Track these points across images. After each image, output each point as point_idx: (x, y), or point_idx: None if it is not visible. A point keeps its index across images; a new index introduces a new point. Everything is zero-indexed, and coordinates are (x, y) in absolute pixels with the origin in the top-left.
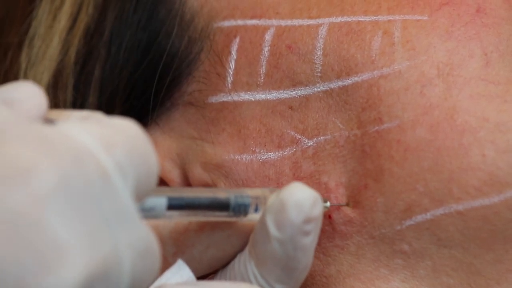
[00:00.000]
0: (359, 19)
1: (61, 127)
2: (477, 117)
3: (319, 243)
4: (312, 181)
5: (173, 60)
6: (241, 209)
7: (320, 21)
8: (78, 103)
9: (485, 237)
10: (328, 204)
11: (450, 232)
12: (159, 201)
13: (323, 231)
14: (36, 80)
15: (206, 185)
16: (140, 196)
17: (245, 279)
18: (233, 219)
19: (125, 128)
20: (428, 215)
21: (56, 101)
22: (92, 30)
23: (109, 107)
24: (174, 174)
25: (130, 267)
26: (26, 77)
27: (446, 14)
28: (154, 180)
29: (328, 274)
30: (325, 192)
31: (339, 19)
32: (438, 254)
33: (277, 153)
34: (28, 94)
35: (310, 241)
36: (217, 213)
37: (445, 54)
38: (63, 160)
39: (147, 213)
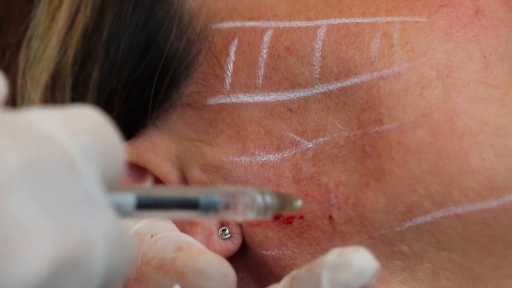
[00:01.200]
0: (358, 21)
1: (25, 114)
2: (476, 121)
3: (319, 244)
4: (312, 182)
5: (171, 62)
6: (211, 208)
7: (318, 22)
8: (77, 104)
9: (485, 241)
10: (299, 203)
11: (449, 235)
12: (127, 198)
13: (323, 232)
14: (34, 81)
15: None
16: (107, 185)
17: None
18: (204, 218)
19: (90, 116)
20: (428, 217)
21: (54, 102)
22: (90, 31)
23: (107, 108)
24: (172, 176)
25: (103, 256)
26: (24, 77)
27: (444, 16)
28: (120, 168)
29: None
30: (325, 193)
31: (337, 21)
32: (437, 256)
33: (276, 155)
34: None
35: None
36: (186, 212)
37: (444, 56)
38: (27, 145)
39: (114, 210)
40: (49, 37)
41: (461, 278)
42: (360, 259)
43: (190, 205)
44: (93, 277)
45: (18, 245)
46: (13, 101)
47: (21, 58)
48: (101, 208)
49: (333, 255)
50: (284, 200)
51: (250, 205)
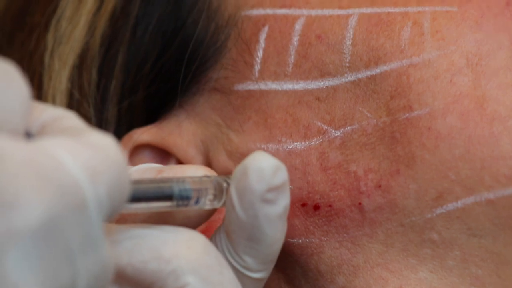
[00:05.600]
0: (389, 10)
1: (49, 150)
2: (506, 106)
3: (347, 232)
4: (340, 171)
5: (199, 47)
6: (184, 201)
7: (350, 11)
8: (102, 85)
9: None
10: None
11: (480, 221)
12: None
13: (352, 220)
14: (62, 61)
15: (229, 173)
16: (108, 217)
17: (219, 250)
18: (174, 209)
19: (108, 152)
20: (459, 204)
21: (81, 82)
22: (118, 13)
23: (132, 91)
24: (197, 161)
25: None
26: (52, 57)
27: (475, 6)
28: (124, 205)
29: (356, 264)
30: (354, 181)
31: (369, 10)
32: (467, 243)
33: (303, 143)
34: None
35: (274, 211)
36: (161, 204)
37: (474, 44)
38: (52, 199)
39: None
40: (78, 18)
41: (490, 265)
42: (256, 162)
43: (164, 198)
44: None
45: None
46: (40, 79)
47: (50, 38)
48: (97, 250)
49: (236, 167)
50: None
51: (219, 195)
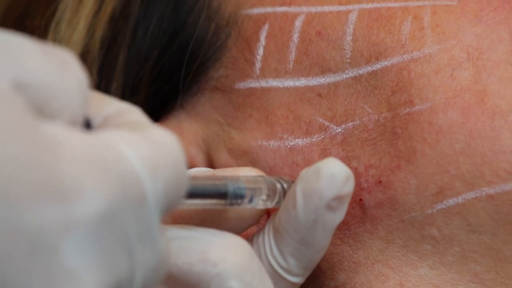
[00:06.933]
0: (389, 5)
1: (110, 141)
2: (507, 101)
3: (348, 229)
4: None
5: (200, 46)
6: (238, 200)
7: (350, 7)
8: (102, 87)
9: None
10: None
11: (480, 217)
12: None
13: (353, 216)
14: None
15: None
16: (165, 212)
17: (260, 250)
18: (227, 207)
19: (169, 148)
20: (460, 199)
21: None
22: (118, 15)
23: (133, 91)
24: (198, 160)
25: (142, 281)
26: None
27: None
28: (181, 200)
29: (357, 260)
30: (355, 177)
31: (369, 6)
32: (467, 240)
33: (305, 139)
34: (70, 94)
35: (332, 219)
36: (215, 201)
37: (474, 38)
38: (113, 188)
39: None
40: (77, 21)
41: (489, 261)
42: (329, 167)
43: (219, 195)
44: None
45: None
46: None
47: (49, 41)
48: (154, 242)
49: (306, 169)
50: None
51: (272, 195)
